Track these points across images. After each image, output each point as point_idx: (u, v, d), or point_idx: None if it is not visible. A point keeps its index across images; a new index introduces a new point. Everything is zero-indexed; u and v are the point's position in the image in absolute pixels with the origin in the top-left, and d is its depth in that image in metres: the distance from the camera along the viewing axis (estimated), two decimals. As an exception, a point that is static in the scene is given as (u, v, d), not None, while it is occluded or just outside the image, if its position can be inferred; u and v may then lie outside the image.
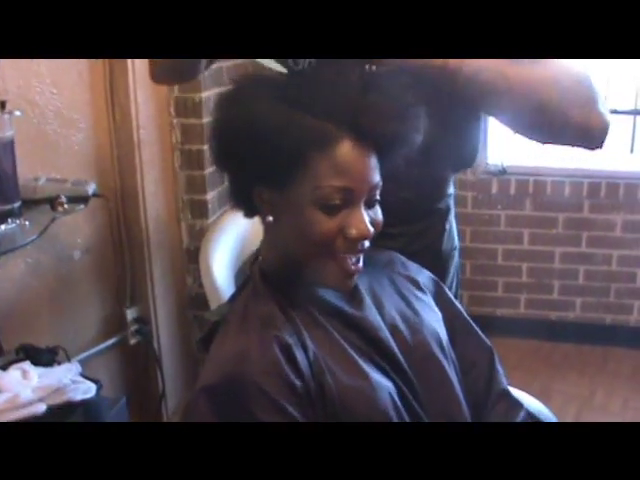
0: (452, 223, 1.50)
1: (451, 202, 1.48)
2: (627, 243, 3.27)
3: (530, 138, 1.22)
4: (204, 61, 1.38)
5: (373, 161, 1.04)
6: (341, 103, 1.01)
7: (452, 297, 1.28)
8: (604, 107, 1.16)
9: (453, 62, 1.11)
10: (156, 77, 1.48)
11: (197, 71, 1.43)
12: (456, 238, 1.52)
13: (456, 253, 1.52)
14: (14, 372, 1.65)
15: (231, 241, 1.83)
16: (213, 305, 1.70)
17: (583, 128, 1.14)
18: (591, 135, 1.16)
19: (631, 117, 3.42)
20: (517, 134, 1.23)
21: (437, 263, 1.41)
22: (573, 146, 1.22)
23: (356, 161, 1.01)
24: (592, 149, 1.18)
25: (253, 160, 1.02)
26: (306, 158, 1.00)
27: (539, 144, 1.26)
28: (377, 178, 1.04)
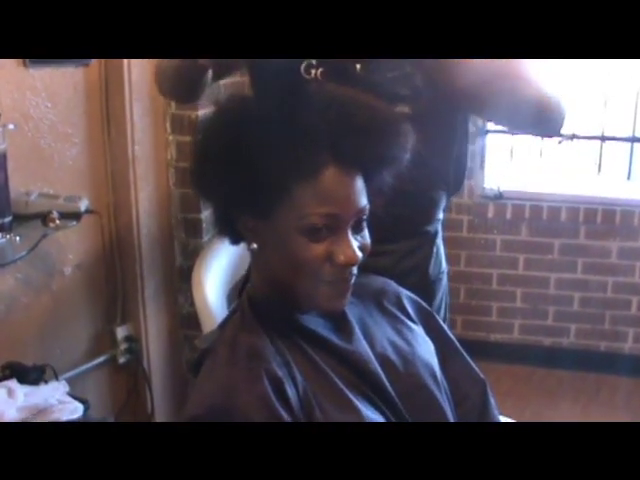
0: (440, 247, 1.49)
1: (439, 227, 1.49)
2: (623, 270, 3.26)
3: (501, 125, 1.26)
4: (207, 78, 1.34)
5: (359, 184, 1.01)
6: (323, 129, 0.97)
7: (444, 327, 1.26)
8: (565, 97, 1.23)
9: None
10: (160, 90, 1.48)
11: (197, 88, 1.40)
12: (444, 262, 1.51)
13: (444, 277, 1.51)
14: (-1, 390, 1.63)
15: (224, 261, 1.82)
16: (205, 325, 1.68)
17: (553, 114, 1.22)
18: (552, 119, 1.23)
19: (628, 144, 3.43)
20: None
21: (424, 286, 1.40)
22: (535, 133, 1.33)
23: (341, 186, 0.98)
24: (549, 135, 1.28)
25: (235, 190, 0.99)
26: (290, 187, 0.97)
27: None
28: (364, 201, 1.01)
